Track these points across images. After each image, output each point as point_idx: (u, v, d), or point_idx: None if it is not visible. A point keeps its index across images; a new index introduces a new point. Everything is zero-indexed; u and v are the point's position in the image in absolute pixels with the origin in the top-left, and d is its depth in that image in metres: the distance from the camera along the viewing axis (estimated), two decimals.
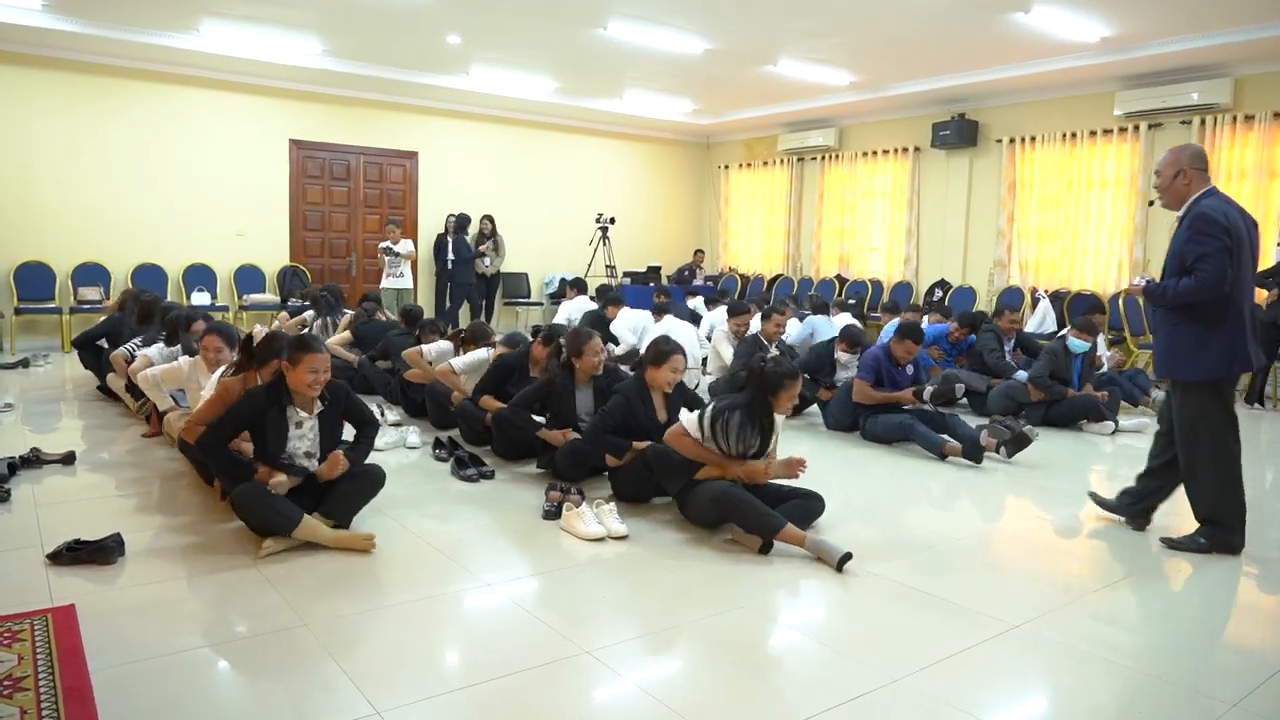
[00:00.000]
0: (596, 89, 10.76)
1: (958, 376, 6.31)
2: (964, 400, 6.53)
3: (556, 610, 2.82)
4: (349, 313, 7.73)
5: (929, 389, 5.30)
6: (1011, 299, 9.17)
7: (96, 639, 2.46)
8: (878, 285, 11.08)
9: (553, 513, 3.71)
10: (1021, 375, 6.30)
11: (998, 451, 4.99)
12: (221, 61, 9.14)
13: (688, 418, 3.67)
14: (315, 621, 2.63)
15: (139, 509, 3.75)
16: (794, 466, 3.61)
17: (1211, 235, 3.37)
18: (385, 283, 9.87)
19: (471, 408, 4.91)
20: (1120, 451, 5.62)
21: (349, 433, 3.59)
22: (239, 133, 9.90)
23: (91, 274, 9.02)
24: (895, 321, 7.94)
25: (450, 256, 10.68)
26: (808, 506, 3.62)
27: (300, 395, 3.35)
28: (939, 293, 10.19)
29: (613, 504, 3.64)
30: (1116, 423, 6.04)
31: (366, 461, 3.56)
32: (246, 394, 3.42)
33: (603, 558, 3.31)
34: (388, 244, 9.82)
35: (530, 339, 5.22)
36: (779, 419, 3.76)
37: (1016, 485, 4.63)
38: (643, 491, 3.98)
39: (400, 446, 4.98)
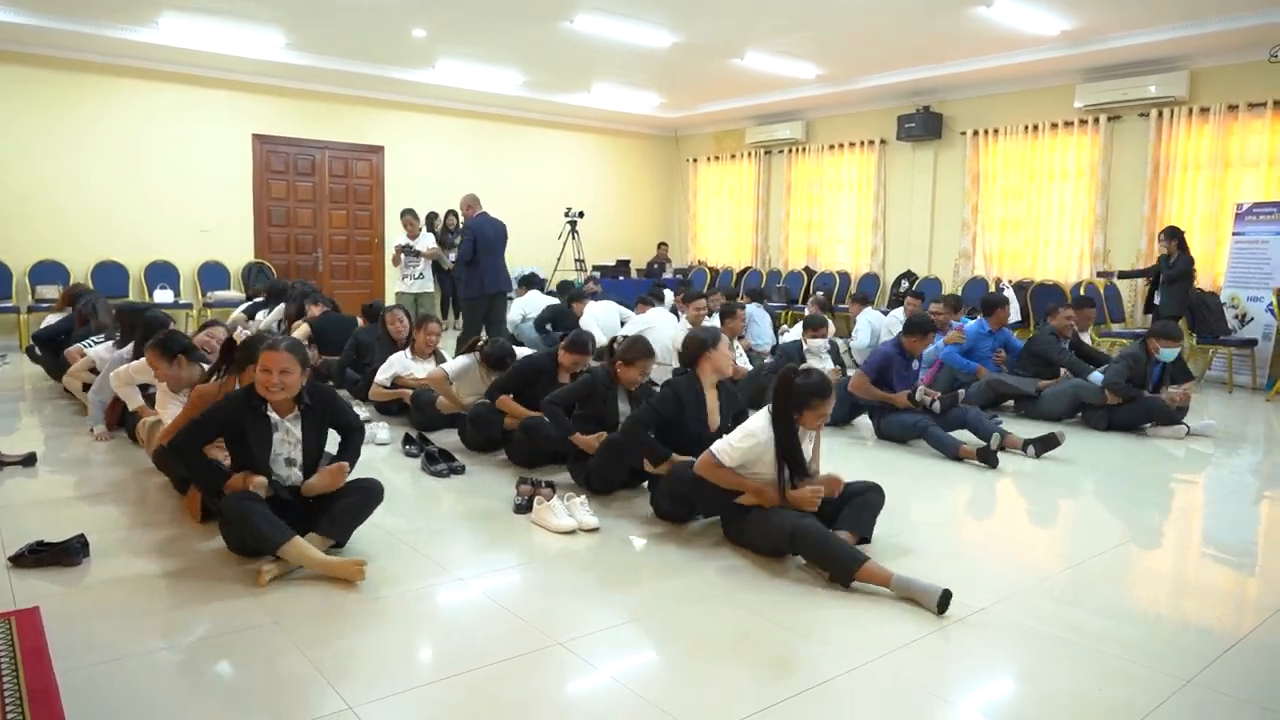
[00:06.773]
0: (564, 83, 10.72)
1: (1003, 382, 6.12)
2: (1010, 404, 6.27)
3: (529, 603, 2.83)
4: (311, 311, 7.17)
5: (922, 391, 5.19)
6: (978, 290, 9.29)
7: (62, 640, 2.43)
8: (845, 277, 11.18)
9: (524, 506, 3.72)
10: (1097, 377, 5.83)
11: (1024, 450, 4.91)
12: (182, 55, 8.99)
13: (718, 446, 3.30)
14: (286, 618, 2.62)
15: (103, 509, 3.70)
16: (833, 486, 3.31)
17: (464, 235, 7.32)
18: (401, 286, 8.95)
19: (487, 413, 4.61)
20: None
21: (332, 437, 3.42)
22: (201, 127, 9.75)
23: (50, 272, 8.85)
24: (868, 310, 7.97)
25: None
26: (866, 503, 3.34)
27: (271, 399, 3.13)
28: (905, 284, 10.30)
29: (583, 496, 3.66)
30: (1187, 426, 5.64)
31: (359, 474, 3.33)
32: (225, 397, 3.24)
33: (574, 550, 3.32)
34: (405, 240, 8.93)
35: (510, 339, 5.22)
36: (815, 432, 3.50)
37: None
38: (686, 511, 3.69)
39: (370, 443, 4.93)
